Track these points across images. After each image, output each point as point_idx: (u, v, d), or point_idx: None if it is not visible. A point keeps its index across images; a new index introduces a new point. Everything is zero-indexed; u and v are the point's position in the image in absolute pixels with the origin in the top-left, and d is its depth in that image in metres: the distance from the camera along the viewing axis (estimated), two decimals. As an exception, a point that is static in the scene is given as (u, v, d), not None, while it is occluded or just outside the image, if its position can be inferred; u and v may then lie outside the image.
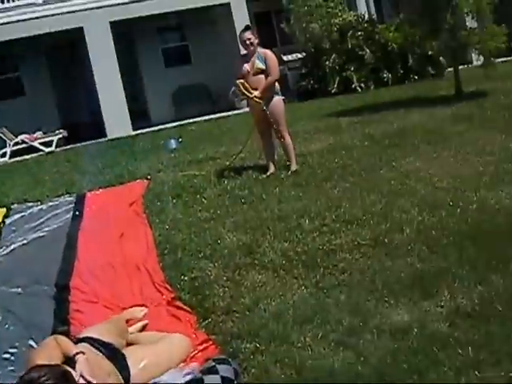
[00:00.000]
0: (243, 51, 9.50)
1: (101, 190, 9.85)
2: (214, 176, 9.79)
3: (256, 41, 9.24)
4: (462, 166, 8.41)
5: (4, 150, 20.25)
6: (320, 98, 20.98)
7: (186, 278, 5.80)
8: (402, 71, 21.80)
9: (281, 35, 24.84)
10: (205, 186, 9.17)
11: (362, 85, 21.37)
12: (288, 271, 5.63)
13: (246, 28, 9.49)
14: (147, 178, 10.33)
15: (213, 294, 5.35)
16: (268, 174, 9.38)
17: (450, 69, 15.79)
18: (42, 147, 19.91)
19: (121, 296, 5.69)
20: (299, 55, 22.97)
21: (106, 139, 20.45)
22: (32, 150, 19.87)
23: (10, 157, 19.93)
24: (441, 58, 18.50)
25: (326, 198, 7.66)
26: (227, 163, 10.54)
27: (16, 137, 20.26)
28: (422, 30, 15.35)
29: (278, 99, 9.40)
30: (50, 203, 9.10)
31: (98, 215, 8.12)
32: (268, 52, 9.37)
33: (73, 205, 8.74)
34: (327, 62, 21.62)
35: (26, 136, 20.33)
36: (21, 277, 6.13)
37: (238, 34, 19.31)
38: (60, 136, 20.72)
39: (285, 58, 23.29)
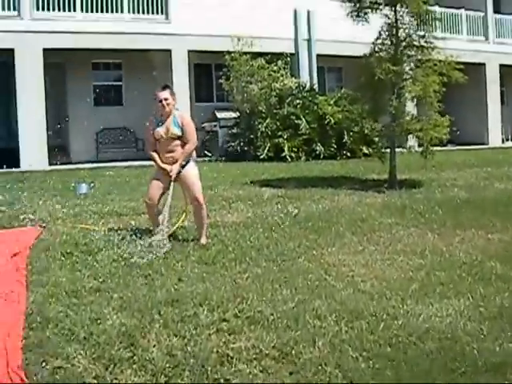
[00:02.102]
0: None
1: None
2: (114, 235, 8.75)
3: (173, 102, 8.47)
4: (390, 266, 7.57)
5: None
6: (248, 161, 20.47)
7: (47, 367, 4.69)
8: (335, 146, 21.38)
9: (218, 90, 24.24)
10: (101, 247, 8.15)
11: (293, 154, 20.88)
12: (170, 378, 4.60)
13: (164, 87, 8.64)
14: (41, 226, 9.38)
15: (73, 398, 4.27)
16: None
17: (384, 150, 15.24)
18: None
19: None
20: (233, 114, 22.37)
21: (18, 170, 19.33)
22: None
23: None
24: (377, 139, 17.95)
25: (233, 284, 6.72)
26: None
27: None
28: (362, 108, 14.85)
29: (192, 165, 8.67)
30: None
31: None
32: (185, 117, 8.68)
33: None
34: (260, 126, 21.03)
35: None
36: None
37: (174, 81, 18.35)
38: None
39: (218, 114, 22.63)
